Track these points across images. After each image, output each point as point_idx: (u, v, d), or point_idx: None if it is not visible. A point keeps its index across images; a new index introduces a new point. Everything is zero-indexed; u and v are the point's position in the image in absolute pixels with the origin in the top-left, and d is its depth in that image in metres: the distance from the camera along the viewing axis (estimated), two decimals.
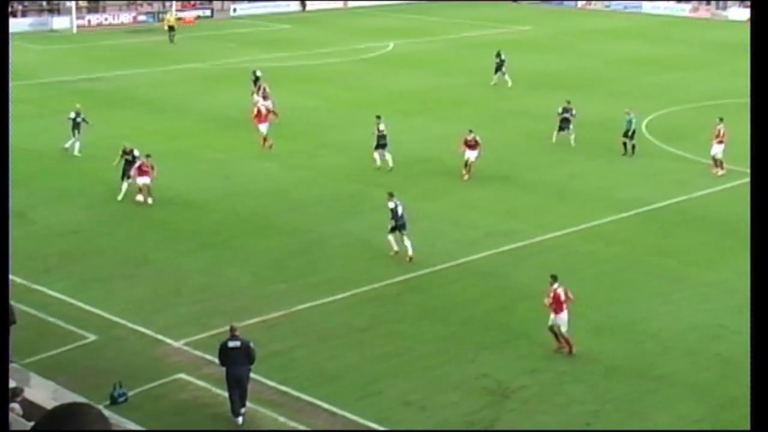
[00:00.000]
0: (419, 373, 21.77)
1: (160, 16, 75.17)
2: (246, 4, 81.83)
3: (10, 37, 62.62)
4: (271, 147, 38.96)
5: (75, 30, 71.53)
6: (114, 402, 19.92)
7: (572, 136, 39.75)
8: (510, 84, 51.37)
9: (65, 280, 26.67)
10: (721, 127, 36.11)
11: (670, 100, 48.65)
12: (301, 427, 19.62)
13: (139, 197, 32.39)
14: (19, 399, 15.32)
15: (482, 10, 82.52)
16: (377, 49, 64.05)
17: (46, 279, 26.57)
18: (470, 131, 35.51)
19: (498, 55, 52.53)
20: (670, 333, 23.79)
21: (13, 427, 9.83)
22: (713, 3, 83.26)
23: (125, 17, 76.19)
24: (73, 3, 73.31)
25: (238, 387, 19.65)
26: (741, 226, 28.08)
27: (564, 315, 22.27)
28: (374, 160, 36.50)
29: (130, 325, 23.87)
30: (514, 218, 31.64)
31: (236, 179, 35.82)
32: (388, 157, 36.26)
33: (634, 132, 38.68)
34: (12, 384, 15.83)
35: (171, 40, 66.01)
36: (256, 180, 35.78)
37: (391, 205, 28.06)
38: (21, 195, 32.59)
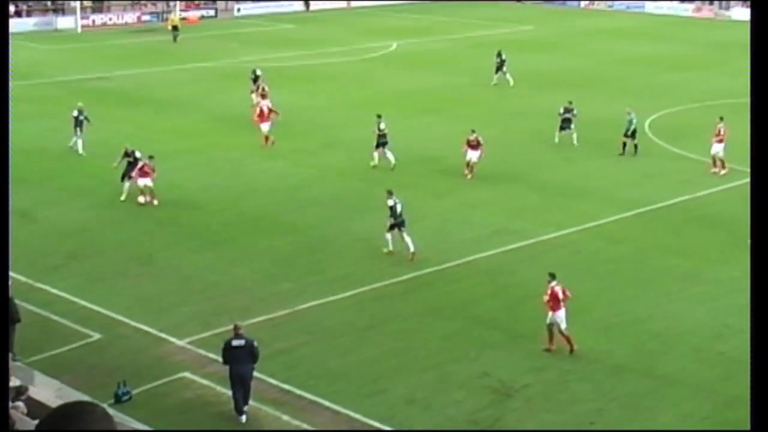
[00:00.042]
0: (423, 371, 21.76)
1: (165, 16, 75.22)
2: (250, 4, 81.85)
3: (16, 37, 62.97)
4: (273, 143, 39.08)
5: (79, 30, 71.58)
6: (118, 400, 19.91)
7: (574, 135, 39.77)
8: (511, 83, 51.37)
9: (70, 278, 26.68)
10: (721, 126, 36.11)
11: (673, 100, 48.61)
12: (305, 426, 19.61)
13: (141, 199, 32.31)
14: (23, 397, 15.35)
15: (485, 10, 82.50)
16: (381, 49, 64.05)
17: (51, 277, 26.58)
18: (473, 131, 35.48)
19: (499, 54, 52.52)
20: (675, 331, 23.77)
21: (17, 426, 9.84)
22: (716, 3, 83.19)
23: (129, 17, 76.26)
24: (78, 3, 73.36)
25: (241, 385, 19.66)
26: (745, 226, 27.96)
27: (561, 313, 22.27)
28: (372, 159, 36.55)
29: (134, 323, 23.88)
30: (520, 217, 31.63)
31: (241, 178, 35.84)
32: (390, 155, 36.28)
33: (635, 131, 38.66)
34: (17, 382, 15.86)
35: (174, 40, 66.04)
36: (262, 179, 35.80)
37: (391, 202, 28.08)
38: (26, 194, 32.65)
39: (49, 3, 76.30)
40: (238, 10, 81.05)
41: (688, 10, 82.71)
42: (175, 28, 66.84)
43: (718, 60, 61.15)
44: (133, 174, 32.61)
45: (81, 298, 25.28)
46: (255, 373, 19.93)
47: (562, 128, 39.94)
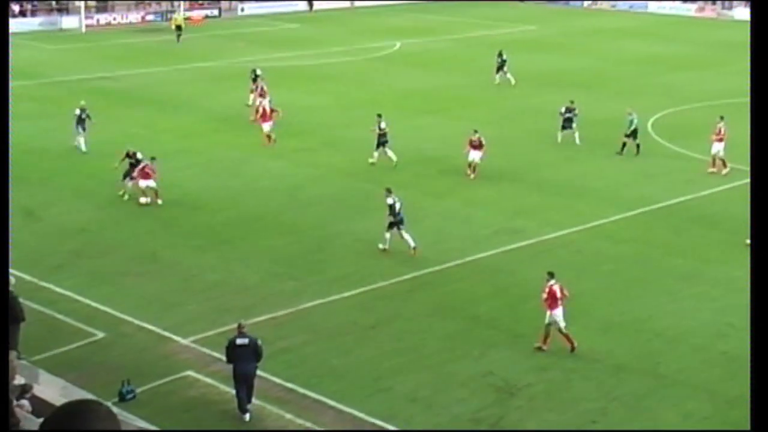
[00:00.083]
0: (427, 370, 21.84)
1: (168, 15, 75.27)
2: (254, 4, 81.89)
3: (21, 36, 63.11)
4: (275, 142, 39.19)
5: (84, 29, 71.63)
6: (122, 399, 19.99)
7: (576, 134, 39.83)
8: (513, 82, 51.42)
9: (74, 277, 26.76)
10: (721, 125, 36.17)
11: (676, 100, 48.63)
12: (308, 424, 19.68)
13: (143, 199, 32.34)
14: (28, 396, 15.41)
15: (488, 10, 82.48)
16: (384, 49, 64.09)
17: (56, 276, 26.66)
18: (475, 131, 35.53)
19: (500, 54, 52.56)
20: (676, 331, 23.83)
21: (22, 425, 9.92)
22: (719, 3, 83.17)
23: (133, 17, 76.30)
24: (82, 2, 73.40)
25: (245, 384, 19.73)
26: (748, 225, 28.08)
27: (558, 311, 22.34)
28: (371, 156, 36.63)
29: (138, 322, 23.96)
30: (522, 216, 31.69)
31: (245, 177, 35.91)
32: (391, 153, 36.35)
33: (636, 131, 38.69)
34: (21, 381, 15.94)
35: (178, 40, 66.07)
36: (265, 178, 35.87)
37: (390, 201, 28.18)
38: (31, 193, 32.75)
39: (53, 3, 76.37)
40: (242, 9, 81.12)
41: (690, 10, 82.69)
42: (178, 27, 66.86)
43: (720, 60, 61.13)
44: (135, 175, 32.64)
45: (85, 296, 25.37)
46: (258, 372, 19.98)
47: (563, 128, 40.00)
